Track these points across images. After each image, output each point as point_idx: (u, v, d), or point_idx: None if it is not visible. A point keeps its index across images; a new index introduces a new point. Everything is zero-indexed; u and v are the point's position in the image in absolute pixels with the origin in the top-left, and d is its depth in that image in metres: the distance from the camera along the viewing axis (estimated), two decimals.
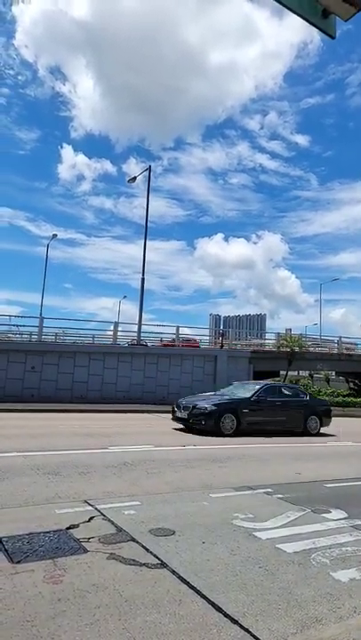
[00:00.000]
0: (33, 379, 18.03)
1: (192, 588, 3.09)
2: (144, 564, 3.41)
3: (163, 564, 3.43)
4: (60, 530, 4.01)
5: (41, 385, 18.14)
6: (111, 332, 23.61)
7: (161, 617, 2.70)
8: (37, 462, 6.77)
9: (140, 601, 2.87)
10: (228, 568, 3.45)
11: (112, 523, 4.29)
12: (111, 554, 3.57)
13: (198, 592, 3.04)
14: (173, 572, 3.32)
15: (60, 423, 12.15)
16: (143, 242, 23.37)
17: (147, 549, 3.69)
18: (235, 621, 2.70)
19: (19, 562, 3.33)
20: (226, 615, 2.77)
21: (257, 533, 4.23)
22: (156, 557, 3.55)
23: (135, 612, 2.75)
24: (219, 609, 2.83)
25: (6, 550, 3.51)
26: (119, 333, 23.24)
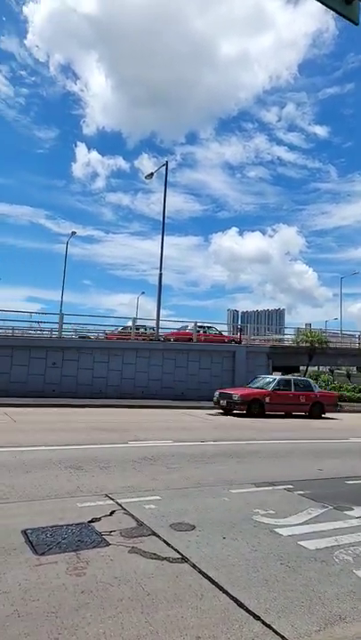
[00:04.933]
0: (54, 374, 18.28)
1: (213, 583, 3.10)
2: (165, 559, 3.43)
3: (184, 559, 3.44)
4: (83, 523, 4.07)
5: (62, 380, 18.38)
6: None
7: (183, 611, 2.71)
8: (59, 456, 6.87)
9: (161, 595, 2.89)
10: (250, 564, 3.44)
11: (133, 517, 4.33)
12: (133, 547, 3.60)
13: (220, 587, 3.04)
14: (194, 566, 3.33)
15: (81, 418, 12.30)
16: (161, 238, 23.37)
17: (167, 544, 3.71)
18: (257, 617, 2.69)
19: (43, 554, 3.39)
20: (248, 611, 2.76)
21: (278, 530, 4.20)
22: (177, 552, 3.57)
23: (157, 605, 2.76)
24: (241, 604, 2.83)
25: (31, 542, 3.58)
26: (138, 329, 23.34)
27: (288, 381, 17.23)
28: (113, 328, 24.81)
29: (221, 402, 15.80)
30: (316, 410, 16.73)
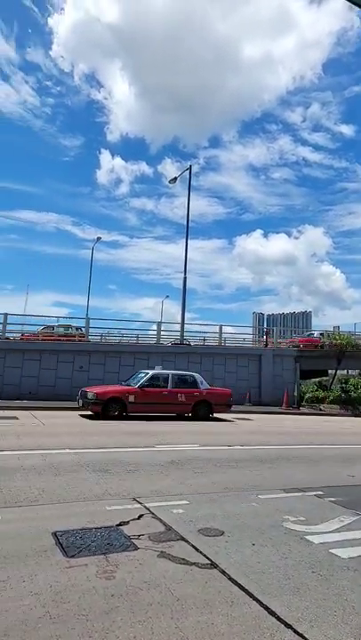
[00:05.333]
0: (81, 378, 18.53)
1: (244, 590, 3.06)
2: (194, 564, 3.41)
3: (213, 565, 3.41)
4: (111, 526, 4.09)
5: (89, 384, 18.58)
6: (154, 332, 23.86)
7: (213, 618, 2.69)
8: (87, 459, 6.94)
9: (191, 600, 2.87)
10: (280, 571, 3.38)
11: (161, 521, 4.33)
12: (161, 552, 3.60)
13: (250, 594, 3.00)
14: (224, 572, 3.30)
15: (107, 422, 12.41)
16: (185, 241, 23.45)
17: (196, 549, 3.69)
18: (288, 626, 2.64)
19: (73, 556, 3.42)
20: (279, 619, 2.71)
21: (309, 537, 4.12)
22: (206, 557, 3.54)
23: (187, 611, 2.75)
24: (272, 612, 2.78)
25: (61, 544, 3.62)
26: (162, 333, 23.44)
27: (165, 377, 14.63)
28: (136, 332, 25.00)
29: (80, 401, 13.64)
30: (201, 410, 14.38)
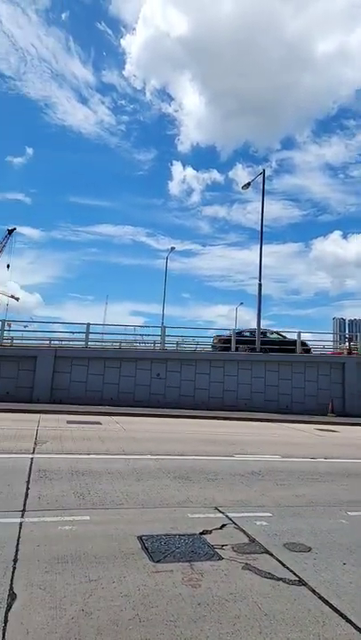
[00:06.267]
0: (158, 385, 18.95)
1: (335, 610, 2.90)
2: (281, 579, 3.30)
3: (301, 582, 3.28)
4: (194, 534, 4.11)
5: (166, 391, 18.97)
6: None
7: (304, 636, 2.58)
8: (168, 466, 7.05)
9: (280, 617, 2.78)
10: None
11: (244, 532, 4.26)
12: (246, 564, 3.54)
13: (343, 615, 2.83)
14: (313, 591, 3.15)
15: (186, 429, 12.53)
16: (259, 247, 23.08)
17: (282, 564, 3.58)
18: None
19: (158, 561, 3.48)
20: None
21: None
22: (294, 573, 3.41)
23: (276, 627, 2.66)
24: None
25: (147, 548, 3.71)
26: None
27: None
28: (210, 340, 25.00)
29: None
30: None
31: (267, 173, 28.33)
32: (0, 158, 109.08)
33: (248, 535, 4.18)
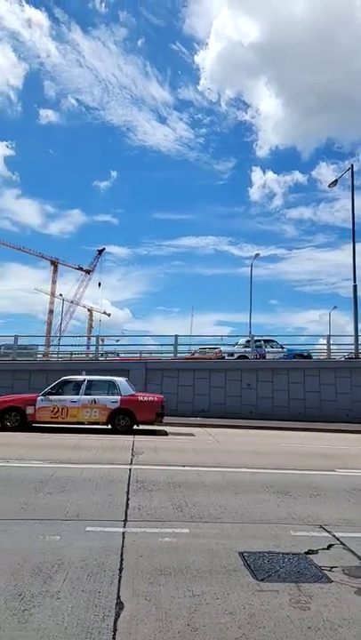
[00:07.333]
0: (250, 396, 18.62)
1: None
2: None
3: None
4: (299, 553, 3.90)
5: (258, 402, 18.56)
6: (323, 346, 22.60)
7: None
8: (265, 480, 6.83)
9: None
10: None
11: (354, 554, 3.95)
12: (359, 589, 3.26)
13: None
14: None
15: (281, 441, 12.11)
16: (352, 246, 21.78)
17: None
18: None
19: (262, 580, 3.35)
20: None
21: None
22: None
23: None
24: None
25: (249, 566, 3.59)
26: (332, 347, 22.06)
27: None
28: (302, 347, 24.06)
29: None
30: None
31: (355, 168, 26.85)
32: (88, 184, 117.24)
33: (359, 557, 3.86)
